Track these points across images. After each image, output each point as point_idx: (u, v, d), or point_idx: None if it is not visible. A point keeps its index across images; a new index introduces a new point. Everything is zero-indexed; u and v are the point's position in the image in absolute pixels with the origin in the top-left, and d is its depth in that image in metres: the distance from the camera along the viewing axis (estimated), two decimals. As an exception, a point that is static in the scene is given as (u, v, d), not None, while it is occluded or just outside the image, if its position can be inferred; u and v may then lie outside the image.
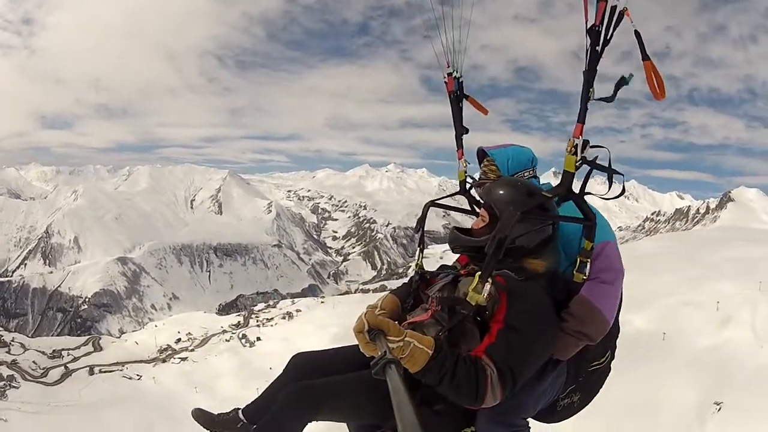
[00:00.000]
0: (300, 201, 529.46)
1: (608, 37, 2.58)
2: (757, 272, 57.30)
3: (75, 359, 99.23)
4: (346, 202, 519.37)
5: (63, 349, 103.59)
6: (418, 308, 3.02)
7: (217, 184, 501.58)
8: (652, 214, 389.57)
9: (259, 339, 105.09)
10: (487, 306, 2.63)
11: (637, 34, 2.50)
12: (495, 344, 2.53)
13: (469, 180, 3.82)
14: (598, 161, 2.78)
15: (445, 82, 3.81)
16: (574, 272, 2.90)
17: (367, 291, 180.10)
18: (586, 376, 3.19)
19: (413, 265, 3.64)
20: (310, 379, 2.87)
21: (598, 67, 2.64)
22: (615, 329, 3.14)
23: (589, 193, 2.89)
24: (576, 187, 2.88)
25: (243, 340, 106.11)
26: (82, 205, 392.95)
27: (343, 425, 3.14)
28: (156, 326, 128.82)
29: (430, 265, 3.49)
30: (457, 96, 3.82)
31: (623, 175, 2.82)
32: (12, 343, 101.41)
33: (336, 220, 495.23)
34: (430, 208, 3.65)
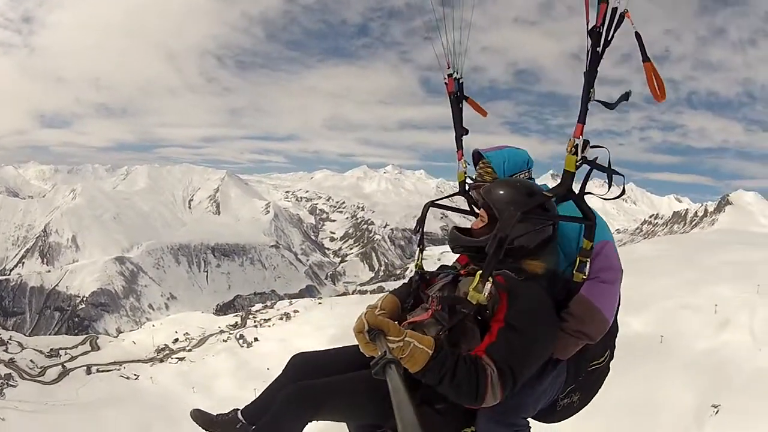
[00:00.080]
0: (298, 202, 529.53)
1: (609, 39, 2.58)
2: (755, 275, 57.44)
3: (72, 358, 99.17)
4: (344, 203, 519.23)
5: (60, 348, 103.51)
6: (418, 308, 3.02)
7: (215, 184, 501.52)
8: (650, 217, 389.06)
9: (256, 339, 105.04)
10: (488, 305, 2.64)
11: (638, 35, 2.52)
12: (495, 343, 2.53)
13: (468, 180, 3.83)
14: (597, 162, 2.78)
15: (446, 83, 3.81)
16: (574, 272, 2.90)
17: (364, 292, 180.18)
18: (585, 375, 3.19)
19: (413, 265, 3.65)
20: (310, 379, 2.86)
21: (598, 68, 2.65)
22: (614, 328, 3.15)
23: (589, 193, 2.89)
24: (576, 187, 2.89)
25: (240, 341, 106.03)
26: (80, 204, 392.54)
27: (343, 425, 3.14)
28: (153, 326, 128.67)
29: (428, 267, 3.49)
30: (457, 97, 3.82)
31: (623, 176, 2.82)
32: (9, 341, 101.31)
33: (334, 221, 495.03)
34: (429, 209, 3.66)
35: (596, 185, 2.85)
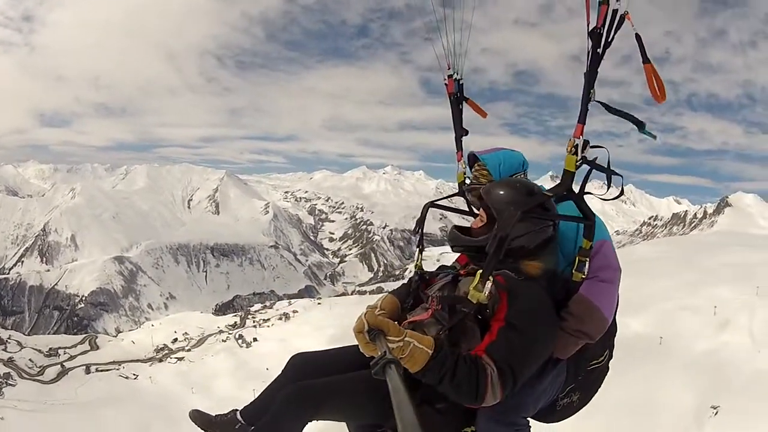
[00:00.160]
0: (297, 202, 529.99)
1: (609, 40, 2.61)
2: (754, 277, 57.41)
3: (71, 358, 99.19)
4: (343, 203, 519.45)
5: (60, 348, 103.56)
6: (418, 308, 3.03)
7: (214, 184, 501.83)
8: (650, 218, 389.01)
9: (255, 340, 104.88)
10: (488, 305, 2.64)
11: (638, 37, 2.55)
12: (495, 343, 2.54)
13: (467, 181, 3.84)
14: (597, 162, 2.80)
15: (446, 83, 3.82)
16: (573, 271, 2.92)
17: (363, 293, 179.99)
18: (585, 375, 3.20)
19: (412, 265, 3.65)
20: (310, 379, 2.86)
21: (598, 69, 2.67)
22: (613, 328, 3.16)
23: (589, 193, 2.91)
24: (575, 187, 2.90)
25: (240, 341, 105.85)
26: (79, 204, 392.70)
27: (343, 425, 3.14)
28: (153, 326, 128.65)
29: (428, 268, 3.49)
30: (457, 98, 3.84)
31: (622, 176, 2.85)
32: (8, 340, 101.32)
33: (333, 221, 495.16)
34: (428, 210, 3.66)
35: (595, 186, 2.87)
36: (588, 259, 2.91)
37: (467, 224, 3.21)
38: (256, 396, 3.29)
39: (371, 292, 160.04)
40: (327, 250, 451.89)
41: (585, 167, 2.81)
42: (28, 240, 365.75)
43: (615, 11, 2.56)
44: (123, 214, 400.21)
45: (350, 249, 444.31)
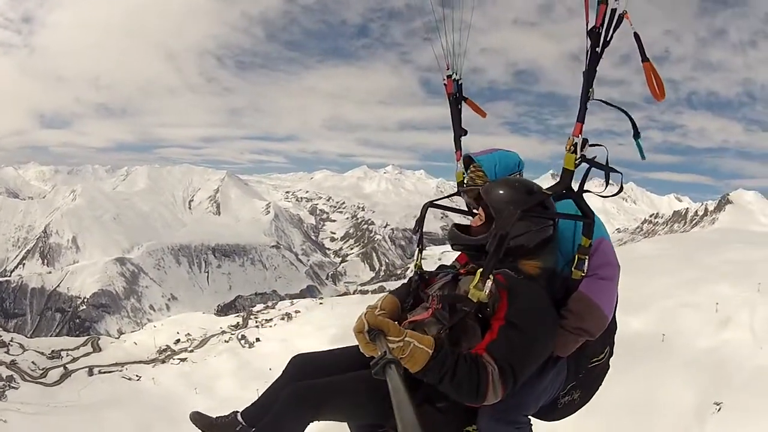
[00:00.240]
0: (298, 202, 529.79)
1: (608, 39, 2.63)
2: (755, 274, 57.42)
3: (74, 360, 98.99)
4: (344, 203, 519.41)
5: (62, 350, 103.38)
6: (418, 307, 3.03)
7: (215, 184, 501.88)
8: (651, 216, 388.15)
9: (258, 340, 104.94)
10: (489, 303, 2.65)
11: (637, 36, 2.57)
12: (496, 341, 2.55)
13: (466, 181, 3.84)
14: (596, 161, 2.82)
15: (445, 84, 3.84)
16: (573, 270, 2.93)
17: (365, 292, 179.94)
18: (586, 372, 3.21)
19: (412, 265, 3.66)
20: (310, 379, 2.86)
21: (597, 68, 2.69)
22: (613, 325, 3.17)
23: (588, 191, 2.93)
24: (575, 186, 2.92)
25: (242, 341, 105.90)
26: (80, 205, 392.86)
27: (344, 425, 3.15)
28: (155, 327, 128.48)
29: (429, 267, 3.50)
30: (456, 98, 3.85)
31: (621, 173, 2.86)
32: (11, 343, 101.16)
33: (334, 221, 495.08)
34: (429, 209, 3.66)
35: (596, 184, 2.88)
36: (587, 257, 2.92)
37: (468, 222, 3.21)
38: (257, 397, 3.29)
39: (373, 292, 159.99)
40: (328, 249, 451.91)
41: (584, 166, 2.82)
42: (29, 242, 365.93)
43: (614, 10, 2.59)
44: (124, 215, 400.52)
45: (352, 248, 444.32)
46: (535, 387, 2.94)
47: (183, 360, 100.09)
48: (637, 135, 2.81)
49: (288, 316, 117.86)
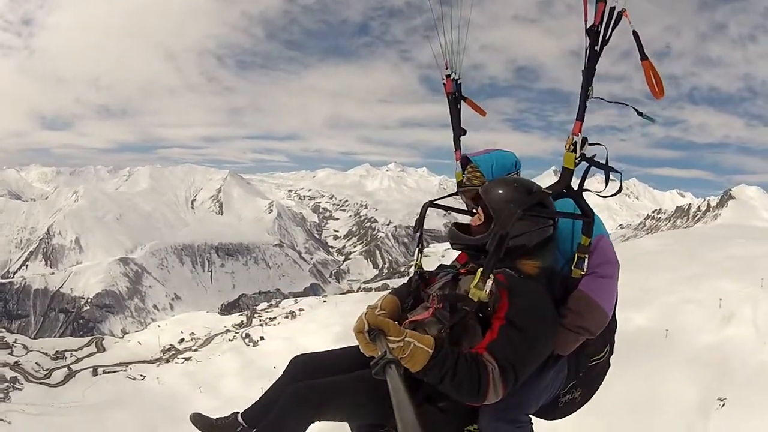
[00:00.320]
0: (301, 200, 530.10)
1: (607, 37, 2.63)
2: (758, 269, 57.28)
3: (78, 360, 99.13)
4: (346, 201, 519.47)
5: (66, 350, 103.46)
6: (419, 307, 3.02)
7: (217, 184, 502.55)
8: (653, 212, 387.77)
9: (262, 338, 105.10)
10: (489, 303, 2.65)
11: (635, 34, 2.57)
12: (497, 341, 2.55)
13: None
14: (596, 159, 2.81)
15: (444, 83, 3.84)
16: (572, 268, 2.93)
17: (369, 290, 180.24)
18: (586, 371, 3.21)
19: (413, 265, 3.66)
20: (311, 379, 2.86)
21: (597, 66, 2.69)
22: (613, 323, 3.17)
23: (588, 190, 2.92)
24: (575, 184, 2.91)
25: (246, 340, 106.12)
26: (82, 206, 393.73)
27: (345, 426, 3.15)
28: (159, 326, 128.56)
29: (432, 264, 3.51)
30: (455, 98, 3.86)
31: (620, 172, 2.87)
32: (15, 344, 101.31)
33: (337, 219, 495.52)
34: (430, 207, 3.66)
35: (598, 181, 2.88)
36: (587, 256, 2.92)
37: (468, 222, 3.21)
38: (258, 398, 3.29)
39: (377, 289, 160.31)
40: (332, 247, 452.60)
41: (584, 165, 2.82)
42: (32, 243, 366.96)
43: (612, 8, 2.58)
44: (126, 215, 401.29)
45: (355, 246, 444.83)
46: (535, 386, 2.94)
47: (187, 359, 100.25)
48: (640, 114, 2.80)
49: (292, 315, 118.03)
